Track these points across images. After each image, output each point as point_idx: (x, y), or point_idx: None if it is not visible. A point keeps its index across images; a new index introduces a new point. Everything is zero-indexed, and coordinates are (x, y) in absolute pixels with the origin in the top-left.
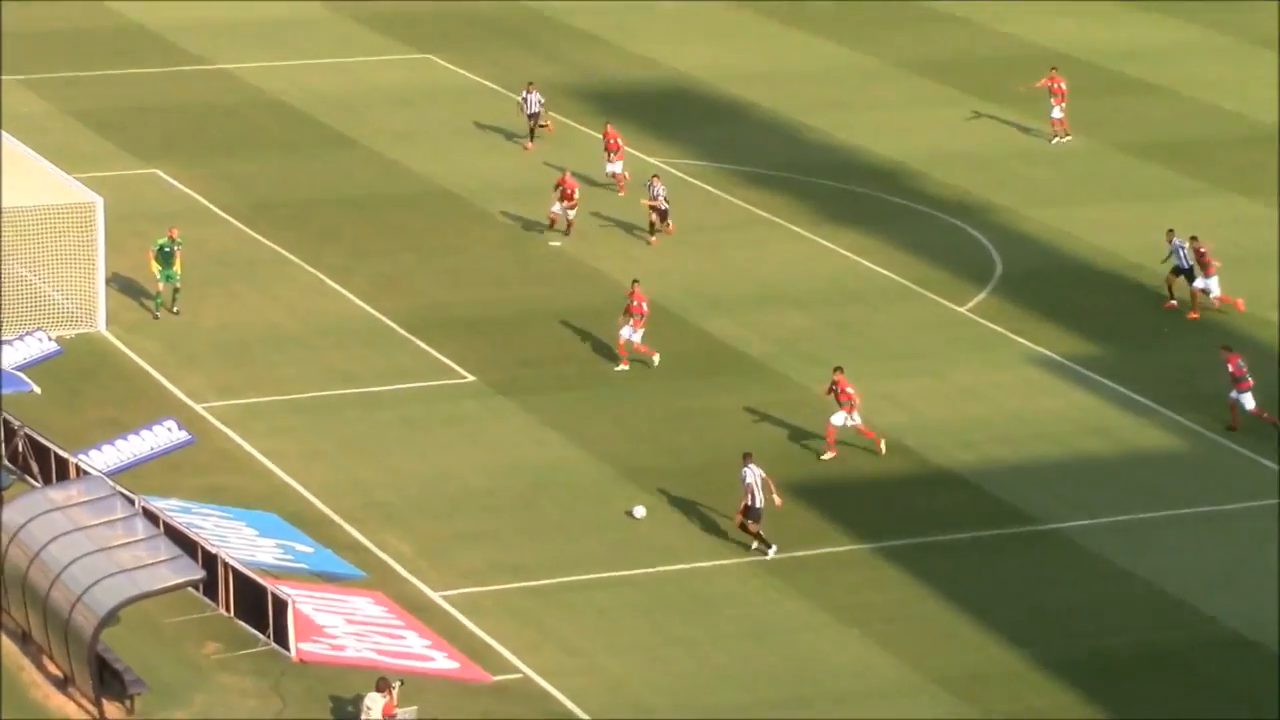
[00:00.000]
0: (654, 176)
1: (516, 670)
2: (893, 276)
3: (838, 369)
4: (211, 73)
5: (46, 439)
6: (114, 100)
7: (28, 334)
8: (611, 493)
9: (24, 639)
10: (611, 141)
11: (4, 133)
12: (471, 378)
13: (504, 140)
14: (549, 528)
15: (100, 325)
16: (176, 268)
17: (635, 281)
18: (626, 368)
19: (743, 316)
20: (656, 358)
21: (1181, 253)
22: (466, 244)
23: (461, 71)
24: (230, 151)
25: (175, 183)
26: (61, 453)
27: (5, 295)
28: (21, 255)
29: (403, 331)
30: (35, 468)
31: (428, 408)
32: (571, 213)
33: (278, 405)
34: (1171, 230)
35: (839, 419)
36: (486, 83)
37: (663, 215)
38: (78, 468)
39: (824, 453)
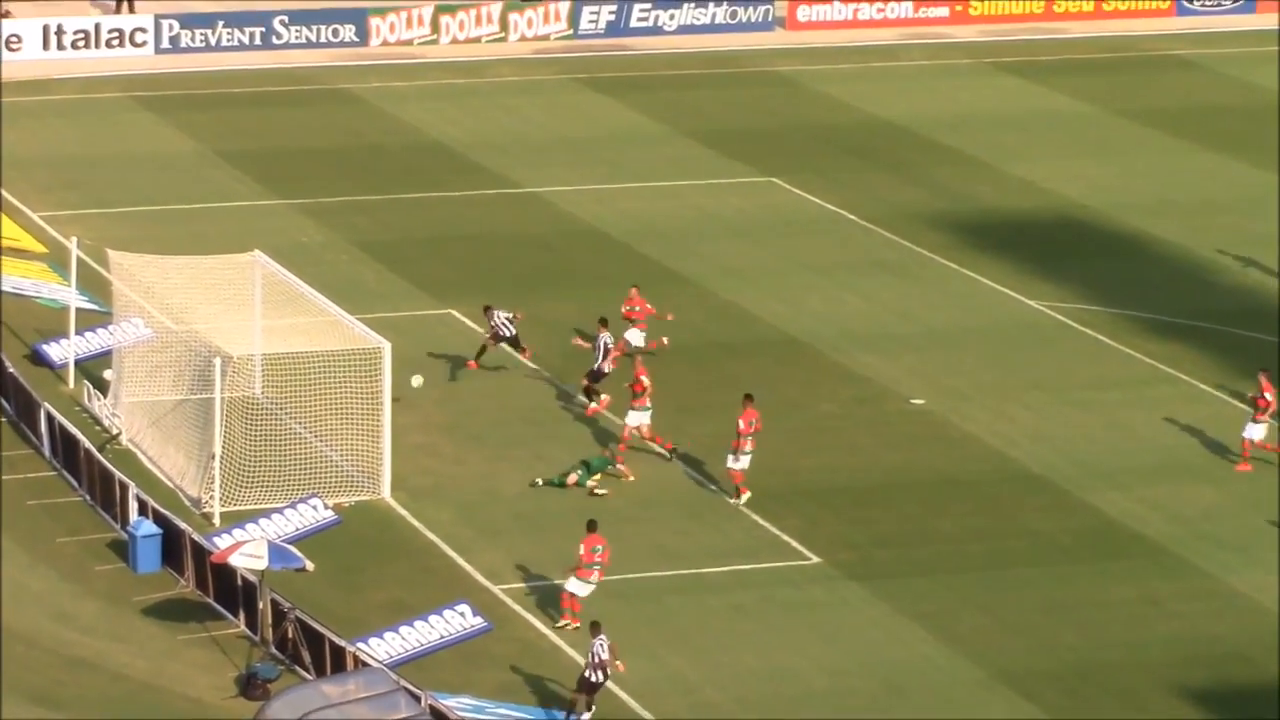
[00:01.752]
0: (486, 308)
1: None
2: None
3: (748, 396)
4: (518, 197)
5: (320, 623)
6: (404, 229)
7: (301, 500)
8: (982, 699)
9: None
10: (637, 308)
11: (278, 266)
12: (817, 559)
13: (860, 278)
14: None
15: (384, 492)
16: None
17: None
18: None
19: (1140, 491)
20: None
21: None
22: (813, 400)
23: (809, 197)
24: (537, 287)
25: (470, 323)
26: (337, 640)
27: (276, 454)
28: (295, 408)
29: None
30: (307, 656)
31: (764, 593)
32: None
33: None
34: None
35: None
36: (840, 210)
37: (511, 341)
38: (356, 657)
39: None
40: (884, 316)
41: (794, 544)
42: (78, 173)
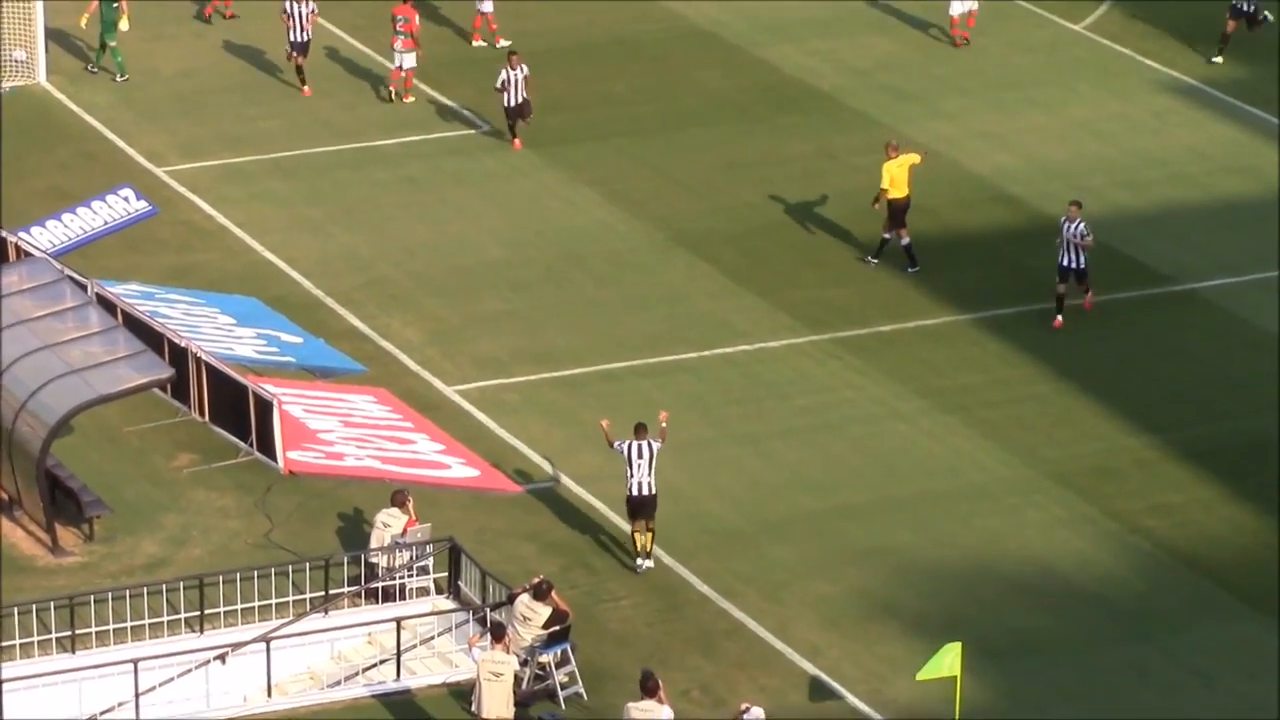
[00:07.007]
0: (511, 54)
1: (548, 478)
2: None
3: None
4: None
5: None
6: None
7: None
8: (660, 262)
9: None
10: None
11: None
12: (486, 126)
13: None
14: (584, 306)
15: (40, 76)
16: (123, 25)
17: None
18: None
19: (811, 43)
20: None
21: None
22: None
23: None
24: None
25: None
26: None
27: None
28: None
29: None
30: None
31: (435, 164)
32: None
33: (255, 166)
34: None
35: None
36: None
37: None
38: (18, 248)
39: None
40: None
41: (464, 111)
42: None
